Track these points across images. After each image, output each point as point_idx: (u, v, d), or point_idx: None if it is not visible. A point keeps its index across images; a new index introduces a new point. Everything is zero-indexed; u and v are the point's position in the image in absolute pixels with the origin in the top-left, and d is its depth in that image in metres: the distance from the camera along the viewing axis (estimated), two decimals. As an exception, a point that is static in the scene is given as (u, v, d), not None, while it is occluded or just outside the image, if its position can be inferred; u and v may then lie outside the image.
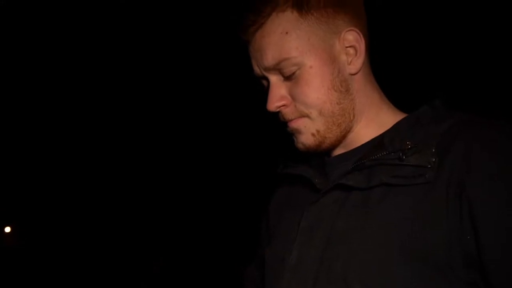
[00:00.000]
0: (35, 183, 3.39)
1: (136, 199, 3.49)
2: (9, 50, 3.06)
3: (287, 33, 0.92)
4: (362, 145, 0.97)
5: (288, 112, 0.96)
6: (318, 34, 0.93)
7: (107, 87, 3.33)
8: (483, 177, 0.80)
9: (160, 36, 3.07)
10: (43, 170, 3.39)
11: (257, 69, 0.96)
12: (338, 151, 1.00)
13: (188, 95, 3.28)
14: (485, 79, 2.39)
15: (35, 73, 3.22)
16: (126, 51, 3.16)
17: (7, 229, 3.71)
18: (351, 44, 0.94)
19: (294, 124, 0.96)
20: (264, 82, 0.99)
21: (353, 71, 0.95)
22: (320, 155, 1.02)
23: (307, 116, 0.94)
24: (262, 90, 1.01)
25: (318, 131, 0.95)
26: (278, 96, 0.95)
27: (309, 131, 0.96)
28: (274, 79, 0.95)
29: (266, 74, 0.95)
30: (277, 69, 0.93)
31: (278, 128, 1.01)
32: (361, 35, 0.94)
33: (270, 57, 0.93)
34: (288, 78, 0.93)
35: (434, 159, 0.84)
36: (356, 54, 0.94)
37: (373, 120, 0.98)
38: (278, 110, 0.96)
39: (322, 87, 0.93)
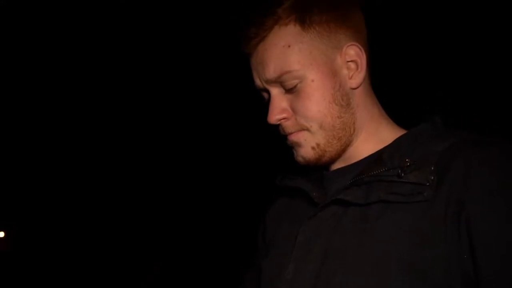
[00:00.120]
0: (29, 186, 3.38)
1: (136, 200, 3.49)
2: (9, 50, 3.06)
3: (289, 46, 0.93)
4: (361, 160, 0.97)
5: (288, 125, 0.96)
6: (320, 48, 0.93)
7: (107, 87, 3.33)
8: (482, 195, 0.80)
9: (162, 39, 3.07)
10: (37, 173, 3.39)
11: (258, 82, 0.97)
12: (337, 165, 1.00)
13: (189, 96, 3.27)
14: (485, 80, 2.39)
15: (35, 73, 3.22)
16: (126, 51, 3.16)
17: (1, 234, 3.70)
18: (352, 59, 0.95)
19: (294, 137, 0.97)
20: (265, 95, 0.99)
21: (354, 86, 0.95)
22: (319, 169, 1.02)
23: (307, 129, 0.94)
24: (263, 102, 1.01)
25: (318, 145, 0.96)
26: (279, 108, 0.95)
27: (309, 144, 0.96)
28: (275, 91, 0.95)
29: (267, 86, 0.96)
30: (278, 81, 0.93)
31: (278, 137, 1.01)
32: (362, 50, 0.95)
33: (272, 69, 0.93)
34: (289, 91, 0.94)
35: (433, 177, 0.84)
36: (357, 69, 0.95)
37: (373, 135, 0.98)
38: (278, 122, 0.96)
39: (323, 100, 0.93)
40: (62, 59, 3.19)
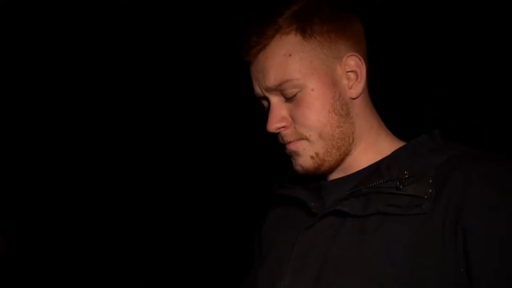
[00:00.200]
0: (28, 187, 3.38)
1: (135, 202, 3.49)
2: (9, 50, 3.06)
3: (290, 55, 0.93)
4: (359, 171, 0.98)
5: (287, 134, 0.97)
6: (321, 58, 0.94)
7: (107, 87, 3.33)
8: (481, 209, 0.80)
9: (162, 39, 3.07)
10: (37, 173, 3.39)
11: (258, 90, 0.97)
12: (335, 175, 1.01)
13: (188, 97, 3.28)
14: (485, 80, 2.39)
15: (35, 73, 3.22)
16: (126, 52, 3.16)
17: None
18: (352, 69, 0.96)
19: (293, 147, 0.97)
20: (265, 103, 1.00)
21: (353, 96, 0.96)
22: (316, 178, 1.03)
23: (307, 138, 0.95)
24: (262, 110, 1.01)
25: (317, 154, 0.96)
26: (278, 117, 0.96)
27: (308, 153, 0.97)
28: (275, 100, 0.96)
29: (267, 94, 0.97)
30: (279, 90, 0.94)
31: (277, 145, 1.01)
32: (362, 60, 0.96)
33: (272, 78, 0.94)
34: (289, 99, 0.95)
35: (431, 190, 0.84)
36: (357, 79, 0.96)
37: (372, 145, 0.99)
38: (278, 131, 0.97)
39: (323, 109, 0.93)
40: (62, 59, 3.19)
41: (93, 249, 3.44)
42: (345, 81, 0.95)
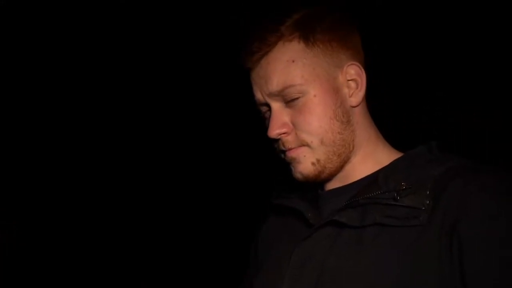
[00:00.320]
0: (24, 188, 3.38)
1: (135, 202, 3.49)
2: (9, 50, 3.06)
3: (293, 61, 0.94)
4: (357, 181, 0.99)
5: (288, 140, 0.97)
6: (323, 66, 0.95)
7: (107, 87, 3.33)
8: (476, 221, 0.80)
9: (162, 40, 3.07)
10: (33, 174, 3.39)
11: (259, 96, 0.98)
12: (333, 185, 1.01)
13: (188, 98, 3.28)
14: (485, 80, 2.39)
15: (35, 73, 3.22)
16: (126, 52, 3.16)
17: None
18: (352, 78, 0.97)
19: (293, 153, 0.98)
20: (265, 110, 1.00)
21: (354, 104, 0.98)
22: (314, 188, 1.03)
23: (308, 145, 0.96)
24: (261, 117, 1.02)
25: (318, 160, 0.97)
26: (279, 123, 0.97)
27: (308, 160, 0.97)
28: (276, 106, 0.97)
29: (268, 100, 0.97)
30: (281, 95, 0.96)
31: (276, 153, 1.01)
32: (362, 69, 0.97)
33: (275, 83, 0.94)
34: (290, 106, 0.96)
35: (428, 202, 0.85)
36: (357, 88, 0.97)
37: (370, 155, 1.00)
38: (279, 137, 0.97)
39: (324, 116, 0.94)
40: (62, 59, 3.19)
41: (93, 249, 3.44)
42: (345, 89, 0.97)
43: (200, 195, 3.38)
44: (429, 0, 2.43)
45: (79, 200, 3.44)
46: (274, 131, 0.95)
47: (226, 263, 2.92)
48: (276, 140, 0.97)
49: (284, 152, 0.96)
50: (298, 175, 0.97)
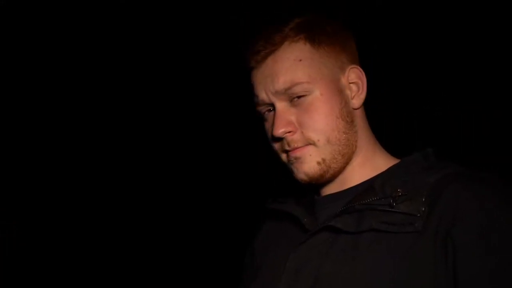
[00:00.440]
0: (24, 188, 3.38)
1: (136, 200, 3.49)
2: (9, 50, 3.06)
3: (300, 60, 0.95)
4: (353, 187, 0.99)
5: (294, 139, 0.97)
6: (328, 66, 0.97)
7: (107, 87, 3.33)
8: (470, 228, 0.81)
9: (161, 40, 3.08)
10: (33, 174, 3.39)
11: (263, 95, 0.98)
12: (330, 190, 1.01)
13: (188, 98, 3.28)
14: (485, 80, 2.40)
15: (35, 73, 3.22)
16: (126, 52, 3.16)
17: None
18: (353, 81, 0.99)
19: (298, 153, 0.98)
20: (267, 111, 1.00)
21: (356, 106, 0.99)
22: (309, 193, 1.03)
23: (314, 143, 0.96)
24: (262, 119, 1.02)
25: (324, 160, 0.97)
26: (285, 121, 0.97)
27: (314, 159, 0.97)
28: (281, 105, 0.98)
29: (273, 99, 0.97)
30: (287, 94, 0.96)
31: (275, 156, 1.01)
32: (363, 73, 0.99)
33: (281, 81, 0.95)
34: (296, 104, 0.97)
35: (423, 208, 0.85)
36: (358, 90, 0.99)
37: (369, 160, 1.01)
38: (284, 136, 0.97)
39: (331, 114, 0.95)
40: (62, 59, 3.19)
41: (94, 249, 3.44)
42: (348, 91, 0.98)
43: (200, 196, 3.38)
44: (429, 0, 2.43)
45: (79, 200, 3.45)
46: (280, 130, 0.95)
47: (226, 263, 2.92)
48: (279, 141, 0.96)
49: (287, 152, 0.96)
50: (302, 176, 0.96)
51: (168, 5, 2.89)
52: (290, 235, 1.01)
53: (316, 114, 0.94)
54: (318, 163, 0.95)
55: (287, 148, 0.96)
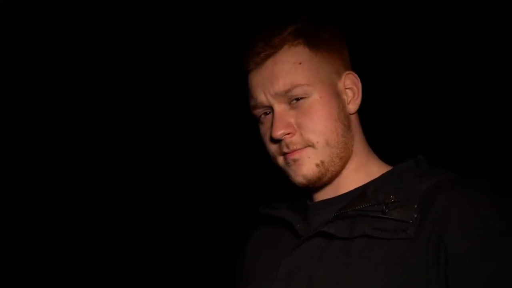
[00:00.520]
0: (24, 188, 3.38)
1: (137, 200, 3.49)
2: (9, 50, 3.06)
3: (300, 63, 0.97)
4: (346, 193, 1.00)
5: (293, 141, 0.98)
6: (326, 71, 0.99)
7: (107, 87, 3.33)
8: (462, 235, 0.81)
9: (162, 40, 3.08)
10: (33, 174, 3.39)
11: (262, 97, 0.99)
12: (323, 196, 1.02)
13: (188, 98, 3.28)
14: (485, 80, 2.40)
15: (35, 73, 3.22)
16: (126, 52, 3.16)
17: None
18: (349, 86, 1.01)
19: (296, 155, 0.99)
20: (263, 113, 1.01)
21: (351, 111, 1.01)
22: (302, 198, 1.04)
23: (313, 145, 0.98)
24: (257, 124, 1.02)
25: (322, 162, 0.98)
26: (284, 123, 0.98)
27: (313, 161, 0.98)
28: (280, 107, 0.99)
29: (272, 101, 0.98)
30: (286, 96, 0.98)
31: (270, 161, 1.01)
32: (358, 79, 1.01)
33: (282, 83, 0.97)
34: (295, 107, 0.98)
35: (416, 215, 0.86)
36: (354, 96, 1.01)
37: (363, 165, 1.03)
38: (283, 137, 0.98)
39: (330, 117, 0.97)
40: (62, 59, 3.19)
41: (94, 249, 3.44)
42: (344, 96, 1.00)
43: (200, 196, 3.38)
44: (429, 0, 2.43)
45: (79, 201, 3.45)
46: (279, 131, 0.95)
47: (226, 264, 2.92)
48: (277, 143, 0.97)
49: (284, 154, 0.97)
50: (299, 179, 0.97)
51: (168, 5, 2.89)
52: (283, 240, 1.02)
53: (316, 116, 0.95)
54: (317, 165, 0.96)
55: (285, 150, 0.97)
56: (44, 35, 3.04)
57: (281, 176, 1.01)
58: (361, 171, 0.99)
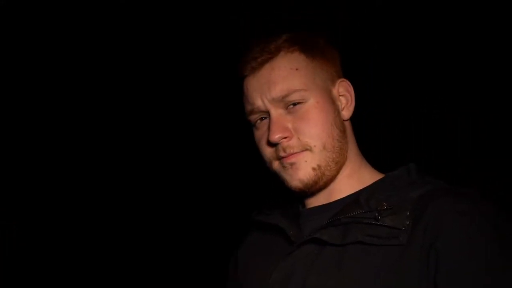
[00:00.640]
0: (24, 188, 3.39)
1: (137, 200, 3.50)
2: (9, 50, 3.07)
3: (297, 69, 0.99)
4: (339, 200, 1.00)
5: (290, 145, 0.99)
6: (322, 77, 1.01)
7: (107, 87, 3.33)
8: (453, 243, 0.82)
9: (162, 40, 3.08)
10: (33, 174, 3.39)
11: (259, 102, 1.00)
12: (316, 202, 1.03)
13: (188, 98, 3.28)
14: (483, 82, 2.40)
15: (35, 73, 3.23)
16: (126, 52, 3.17)
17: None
18: (343, 93, 1.03)
19: (293, 158, 0.99)
20: (259, 119, 1.01)
21: (345, 117, 1.03)
22: (295, 205, 1.04)
23: (310, 149, 0.98)
24: (252, 130, 1.02)
25: (319, 166, 0.99)
26: (281, 127, 0.98)
27: (309, 165, 0.99)
28: (277, 112, 1.00)
29: (269, 106, 0.99)
30: (283, 101, 0.99)
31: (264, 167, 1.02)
32: (351, 86, 1.03)
33: (279, 88, 0.98)
34: (291, 112, 0.99)
35: (408, 222, 0.87)
36: (347, 103, 1.03)
37: (356, 172, 1.03)
38: (280, 141, 0.98)
39: (326, 121, 0.99)
40: (62, 59, 3.19)
41: (93, 249, 3.45)
42: (338, 103, 1.02)
43: (200, 196, 3.39)
44: (429, 1, 2.44)
45: (79, 201, 3.45)
46: (276, 135, 0.96)
47: (225, 264, 2.92)
48: (273, 147, 0.97)
49: (281, 159, 0.97)
50: (296, 183, 0.97)
51: (168, 5, 2.89)
52: (276, 247, 1.02)
53: (313, 121, 0.96)
54: (314, 169, 0.96)
55: (282, 154, 0.97)
56: (44, 35, 3.04)
57: (275, 182, 1.01)
58: (354, 177, 1.00)
